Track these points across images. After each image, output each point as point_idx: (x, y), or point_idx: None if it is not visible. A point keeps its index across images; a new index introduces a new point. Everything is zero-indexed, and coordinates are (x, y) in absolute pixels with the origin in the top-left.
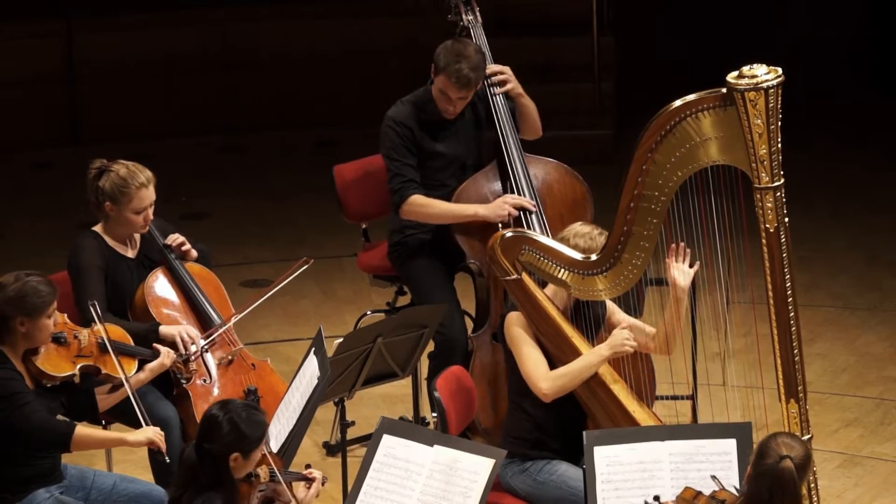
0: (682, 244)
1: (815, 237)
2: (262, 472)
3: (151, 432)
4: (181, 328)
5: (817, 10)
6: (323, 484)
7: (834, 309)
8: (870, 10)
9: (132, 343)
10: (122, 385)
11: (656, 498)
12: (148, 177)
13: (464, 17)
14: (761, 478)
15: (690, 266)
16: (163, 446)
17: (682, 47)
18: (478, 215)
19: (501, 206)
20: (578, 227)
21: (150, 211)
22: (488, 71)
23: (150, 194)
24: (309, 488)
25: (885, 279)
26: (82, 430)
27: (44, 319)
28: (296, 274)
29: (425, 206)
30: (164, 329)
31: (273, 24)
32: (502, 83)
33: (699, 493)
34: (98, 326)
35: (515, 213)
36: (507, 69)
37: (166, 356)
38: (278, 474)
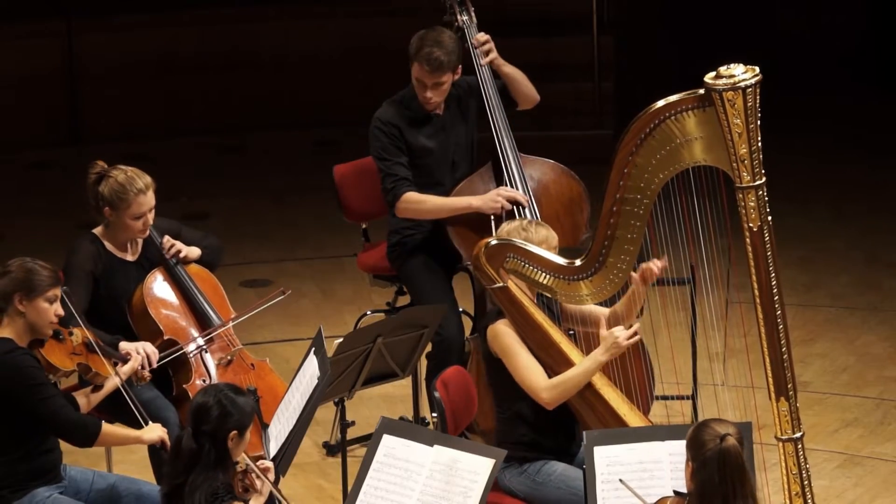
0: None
1: (814, 237)
2: (241, 459)
3: (160, 430)
4: (139, 345)
5: (817, 10)
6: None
7: (834, 309)
8: (870, 10)
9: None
10: (102, 386)
11: None
12: (147, 182)
13: (458, 17)
14: (708, 465)
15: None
16: (168, 445)
17: (683, 47)
18: (471, 207)
19: (495, 199)
20: (506, 226)
21: (150, 216)
22: (477, 39)
23: (148, 200)
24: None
25: (885, 279)
26: (107, 427)
27: (42, 301)
28: (269, 304)
29: (420, 202)
30: (123, 345)
31: (273, 24)
32: (487, 52)
33: None
34: (82, 327)
35: (509, 206)
36: (488, 39)
37: (135, 360)
38: (251, 464)
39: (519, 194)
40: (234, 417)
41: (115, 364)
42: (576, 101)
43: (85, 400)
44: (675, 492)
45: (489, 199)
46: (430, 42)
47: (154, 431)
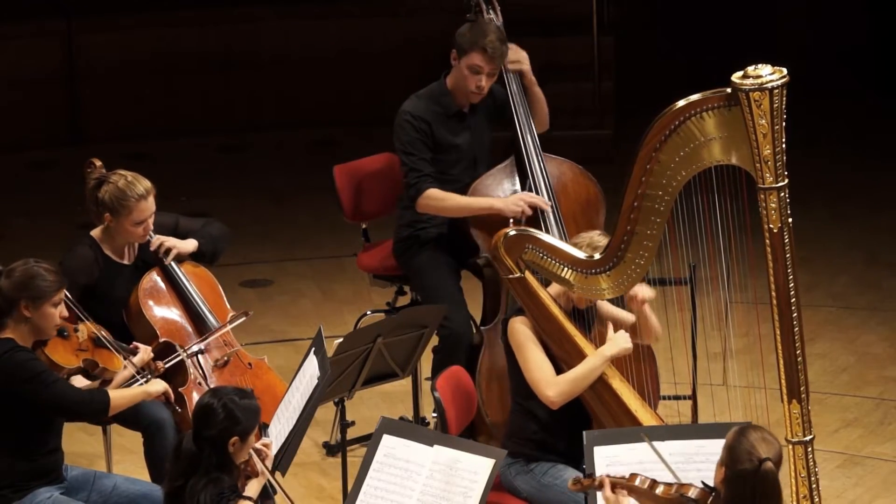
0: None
1: (814, 237)
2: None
3: (163, 383)
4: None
5: (817, 10)
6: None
7: (834, 309)
8: (870, 10)
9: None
10: (110, 381)
11: (589, 474)
12: (147, 188)
13: (484, 16)
14: (742, 482)
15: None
16: (172, 397)
17: (683, 47)
18: (493, 208)
19: (517, 202)
20: (591, 238)
21: (150, 221)
22: (511, 57)
23: (149, 206)
24: (265, 459)
25: (884, 279)
26: (114, 393)
27: (48, 307)
28: (234, 325)
29: (442, 199)
30: None
31: (273, 24)
32: (518, 67)
33: (654, 481)
34: (90, 322)
35: (529, 211)
36: (525, 57)
37: (145, 352)
38: (251, 451)
39: (542, 200)
40: (237, 425)
41: (125, 357)
42: (576, 101)
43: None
44: (703, 483)
45: (511, 202)
46: (489, 31)
47: (159, 383)
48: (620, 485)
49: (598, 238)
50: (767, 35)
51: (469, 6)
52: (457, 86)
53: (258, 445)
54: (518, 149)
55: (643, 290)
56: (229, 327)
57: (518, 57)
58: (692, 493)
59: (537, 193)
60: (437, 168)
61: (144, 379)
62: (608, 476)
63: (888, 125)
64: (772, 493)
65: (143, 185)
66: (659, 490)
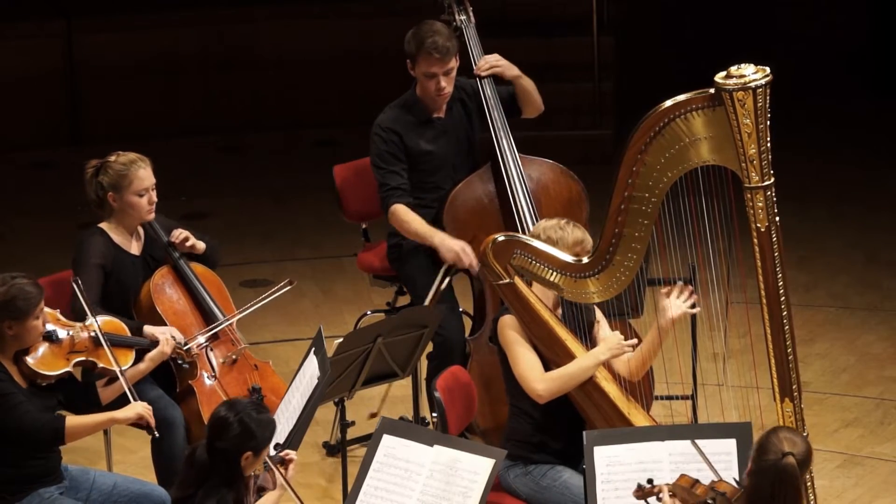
0: (689, 287)
1: (814, 237)
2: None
3: (140, 407)
4: (167, 329)
5: (816, 10)
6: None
7: (834, 309)
8: (869, 11)
9: (128, 334)
10: (118, 377)
11: (649, 481)
12: (144, 159)
13: (456, 17)
14: (763, 474)
15: (692, 307)
16: (151, 421)
17: (683, 47)
18: (433, 243)
19: (451, 249)
20: (544, 222)
21: (153, 194)
22: (483, 65)
23: (149, 175)
24: (287, 469)
25: (884, 279)
26: (73, 419)
27: (31, 321)
28: (278, 294)
29: (404, 220)
30: (147, 329)
31: (272, 24)
32: (494, 69)
33: (697, 481)
34: (90, 320)
35: (464, 263)
36: (495, 57)
37: (166, 344)
38: (269, 462)
39: (475, 261)
40: (251, 440)
41: (141, 353)
42: (576, 101)
43: (108, 390)
44: (734, 479)
45: (447, 247)
46: (428, 33)
47: (132, 409)
48: (672, 488)
49: (545, 222)
50: (767, 35)
51: (443, 7)
52: (423, 93)
53: (286, 455)
54: (494, 154)
55: (676, 307)
56: (276, 295)
57: (496, 71)
58: (724, 489)
59: (514, 197)
60: (417, 177)
61: (186, 363)
62: (666, 484)
63: (888, 125)
64: (790, 486)
65: (140, 157)
66: (698, 490)
